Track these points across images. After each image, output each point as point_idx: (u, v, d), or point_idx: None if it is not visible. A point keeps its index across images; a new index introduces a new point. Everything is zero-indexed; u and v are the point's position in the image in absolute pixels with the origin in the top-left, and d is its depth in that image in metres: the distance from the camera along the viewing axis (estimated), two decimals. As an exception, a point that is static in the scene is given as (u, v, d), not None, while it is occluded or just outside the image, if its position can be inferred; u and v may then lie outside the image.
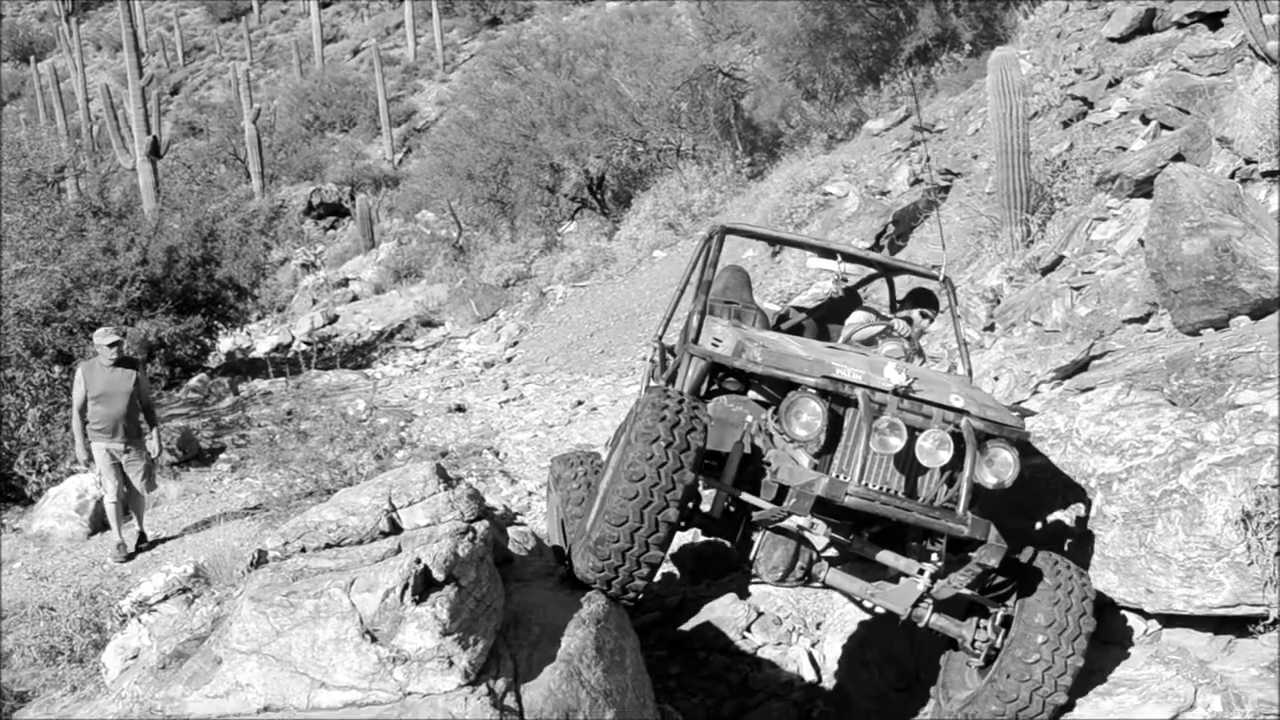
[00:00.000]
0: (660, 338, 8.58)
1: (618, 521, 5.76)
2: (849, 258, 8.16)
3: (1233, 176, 9.95)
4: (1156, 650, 6.60)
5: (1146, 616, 6.67)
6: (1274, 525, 5.95)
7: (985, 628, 6.48)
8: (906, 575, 6.36)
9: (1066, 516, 7.33)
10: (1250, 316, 8.04)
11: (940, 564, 6.26)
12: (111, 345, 11.58)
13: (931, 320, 8.30)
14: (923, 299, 8.38)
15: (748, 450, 6.53)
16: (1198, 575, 6.27)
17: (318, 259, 39.18)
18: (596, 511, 6.25)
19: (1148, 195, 10.55)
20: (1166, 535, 6.45)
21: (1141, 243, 9.59)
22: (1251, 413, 6.48)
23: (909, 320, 8.13)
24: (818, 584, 6.59)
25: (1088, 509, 7.11)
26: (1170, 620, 6.55)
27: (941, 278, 8.10)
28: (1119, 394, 7.58)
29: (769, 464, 6.37)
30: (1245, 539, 6.07)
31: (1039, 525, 7.44)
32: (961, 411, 6.10)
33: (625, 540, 5.80)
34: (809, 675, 8.55)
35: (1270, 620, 6.01)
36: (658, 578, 9.15)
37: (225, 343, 24.59)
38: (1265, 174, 9.96)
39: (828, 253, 8.18)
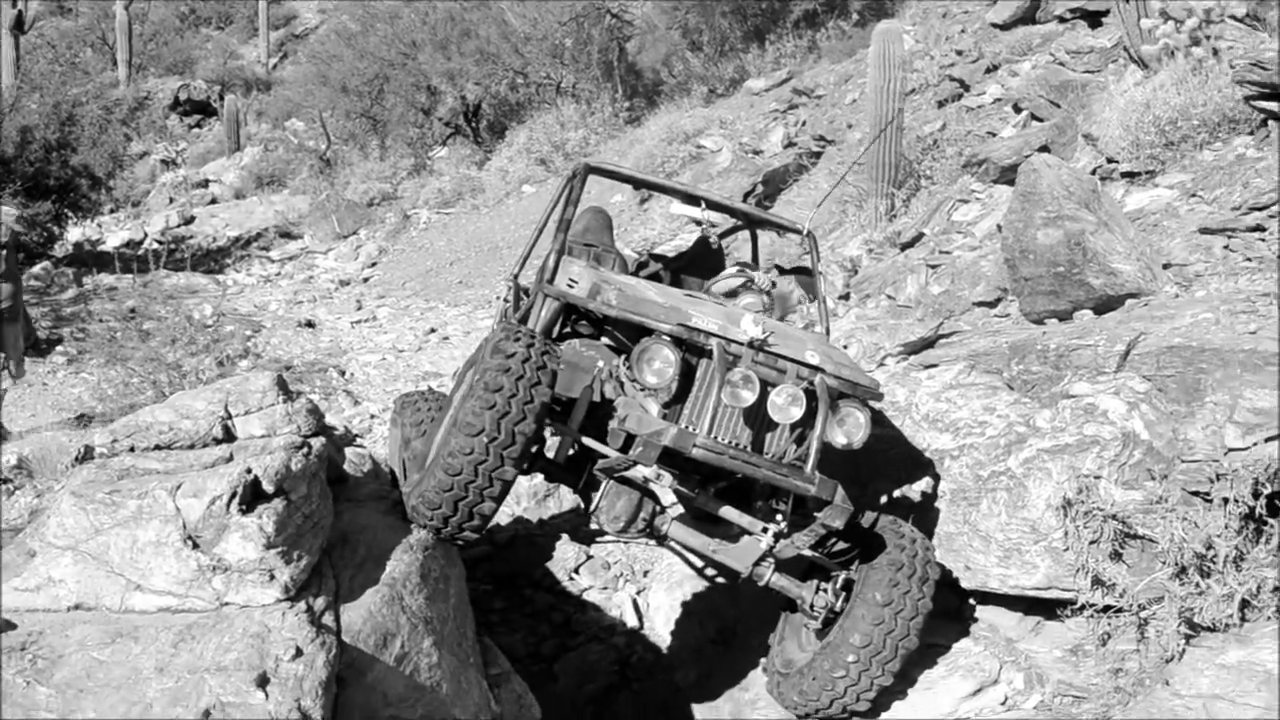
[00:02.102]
0: (516, 276, 8.37)
1: (452, 472, 5.62)
2: (713, 205, 7.99)
3: (1094, 173, 10.18)
4: (967, 626, 6.80)
5: (962, 593, 6.83)
6: (1091, 514, 6.14)
7: (826, 590, 6.42)
8: (749, 533, 6.25)
9: (898, 489, 7.48)
10: (1094, 311, 8.25)
11: (784, 524, 6.17)
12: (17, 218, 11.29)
13: (799, 304, 8.28)
14: (801, 275, 8.38)
15: (597, 398, 6.42)
16: (1015, 556, 6.44)
17: (179, 157, 38.26)
18: (433, 458, 6.10)
19: (1010, 183, 10.74)
20: (990, 515, 6.60)
21: (999, 228, 9.78)
22: (1084, 404, 6.63)
23: (773, 283, 8.08)
24: (660, 537, 6.49)
25: (918, 483, 7.28)
26: (985, 597, 6.71)
27: (805, 231, 8.01)
28: (960, 373, 7.71)
29: (617, 411, 6.26)
30: (1064, 525, 6.23)
31: (870, 495, 7.56)
32: (816, 369, 6.03)
33: (459, 490, 5.67)
34: (631, 621, 8.61)
35: (1078, 605, 6.17)
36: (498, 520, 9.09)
37: (74, 232, 23.90)
38: (1124, 174, 10.21)
39: (692, 199, 8.04)
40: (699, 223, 8.12)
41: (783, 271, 8.49)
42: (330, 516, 6.05)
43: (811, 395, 5.98)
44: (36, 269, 20.11)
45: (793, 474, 5.86)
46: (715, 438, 5.95)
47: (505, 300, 8.28)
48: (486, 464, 5.57)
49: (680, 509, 6.60)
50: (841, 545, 6.39)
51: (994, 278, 9.81)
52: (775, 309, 7.59)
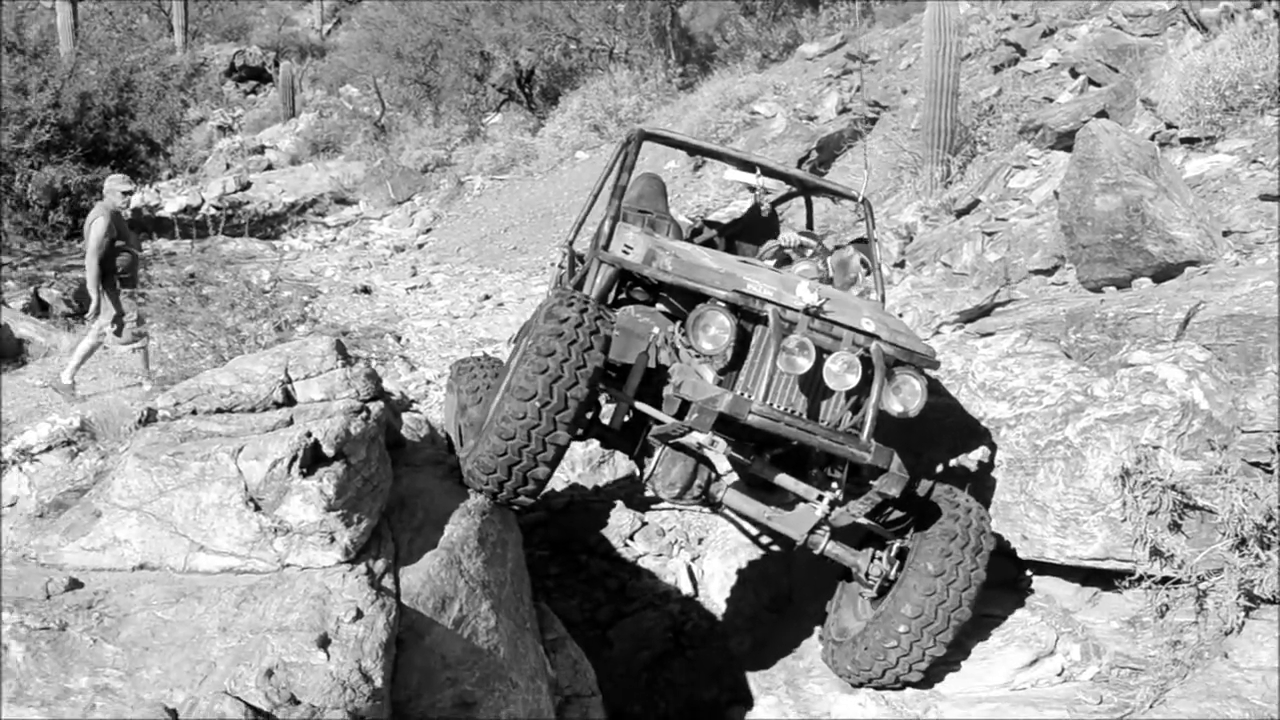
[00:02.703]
0: (571, 243, 8.31)
1: (506, 436, 5.62)
2: (768, 172, 7.89)
3: (1152, 139, 10.09)
4: (1024, 597, 6.78)
5: (1019, 562, 6.81)
6: (1150, 484, 6.10)
7: (881, 559, 6.40)
8: (804, 501, 6.24)
9: (953, 458, 7.45)
10: (1152, 279, 8.20)
11: (840, 492, 6.15)
12: (126, 195, 12.00)
13: (859, 274, 8.19)
14: (860, 245, 8.30)
15: (652, 364, 6.38)
16: (1072, 526, 6.42)
17: (235, 123, 38.42)
18: (487, 423, 6.07)
19: (1068, 149, 10.67)
20: (1047, 485, 6.58)
21: (1056, 195, 9.72)
22: (1142, 373, 6.59)
23: (825, 248, 8.02)
24: (714, 504, 6.47)
25: (975, 452, 7.25)
26: (1041, 568, 6.70)
27: (861, 198, 7.96)
28: (1017, 342, 7.68)
29: (672, 378, 6.21)
30: (1122, 495, 6.21)
31: (925, 464, 7.54)
32: (872, 336, 5.97)
33: (513, 455, 5.66)
34: (686, 588, 8.64)
35: (1135, 576, 6.15)
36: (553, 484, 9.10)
37: (133, 198, 24.06)
38: (1184, 140, 10.11)
39: (746, 165, 7.95)
40: (753, 189, 8.08)
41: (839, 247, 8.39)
42: (389, 480, 6.10)
43: (867, 363, 5.91)
44: (97, 234, 20.30)
45: (849, 441, 5.80)
46: (771, 404, 5.91)
47: (560, 267, 8.26)
48: (539, 428, 5.58)
49: (735, 476, 6.55)
50: (897, 514, 6.36)
51: (1051, 245, 9.75)
52: (836, 277, 7.55)
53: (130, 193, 12.15)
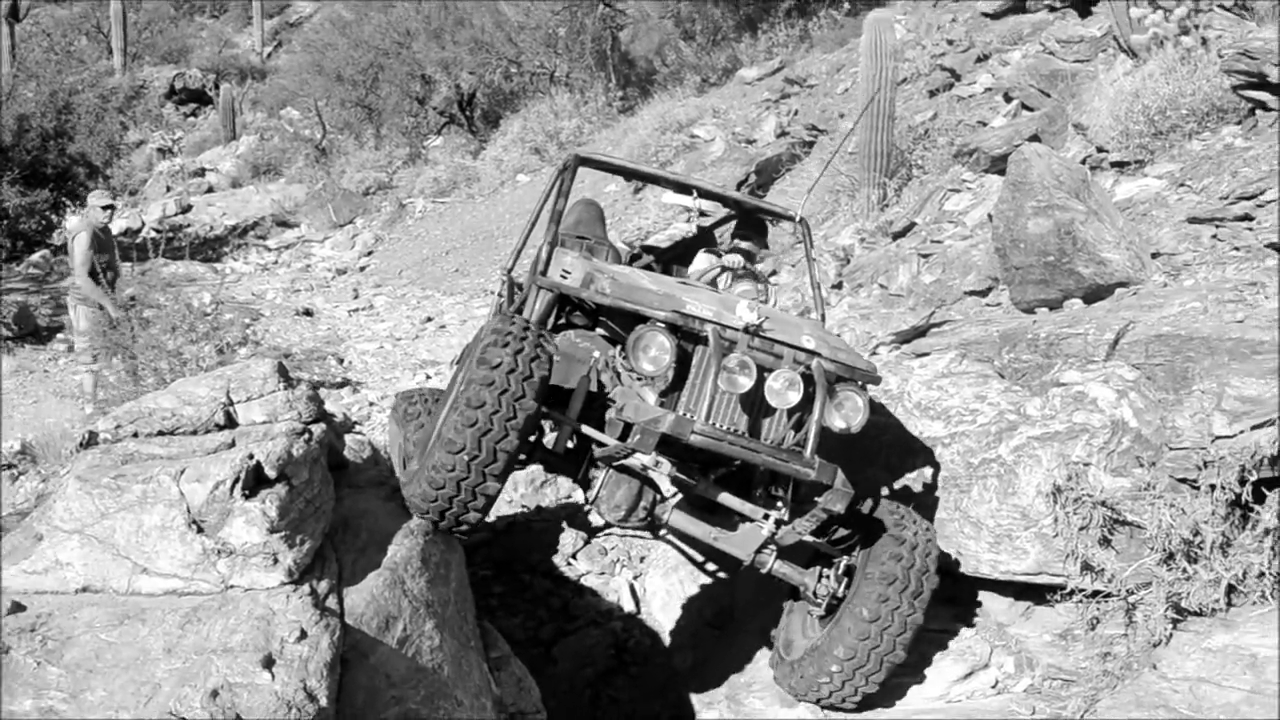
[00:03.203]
0: (510, 270, 8.20)
1: (454, 449, 5.55)
2: (705, 194, 7.92)
3: (1083, 162, 10.23)
4: (959, 611, 6.86)
5: (955, 578, 6.88)
6: (1080, 501, 6.20)
7: (828, 577, 6.34)
8: (750, 520, 6.20)
9: (890, 476, 7.52)
10: (1083, 300, 8.31)
11: (785, 511, 6.14)
12: (106, 209, 12.14)
13: (757, 253, 8.16)
14: (752, 224, 8.28)
15: (594, 388, 6.37)
16: (1005, 542, 6.50)
17: (175, 145, 38.13)
18: (433, 440, 6.02)
19: (1001, 172, 10.78)
20: (981, 501, 6.67)
21: (990, 218, 9.82)
22: (1073, 392, 6.69)
23: (741, 252, 7.98)
24: (659, 528, 6.49)
25: (913, 472, 7.33)
26: (976, 583, 6.76)
27: (798, 218, 7.93)
28: (952, 362, 7.76)
29: (614, 401, 6.21)
30: (1053, 511, 6.30)
31: (865, 482, 7.59)
32: (813, 353, 5.96)
33: (461, 470, 5.58)
34: (629, 606, 8.67)
35: (1067, 590, 6.23)
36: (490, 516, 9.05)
37: (71, 220, 23.84)
38: (1114, 164, 10.27)
39: (684, 188, 7.98)
40: (691, 211, 8.08)
41: (734, 234, 8.36)
42: (332, 501, 6.10)
43: (809, 380, 5.91)
44: (35, 257, 20.14)
45: (792, 459, 5.78)
46: (713, 424, 5.88)
47: (500, 295, 8.19)
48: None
49: (680, 498, 6.46)
50: (843, 531, 6.34)
51: (985, 267, 9.86)
52: (765, 293, 7.56)
53: (111, 208, 12.15)
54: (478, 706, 5.97)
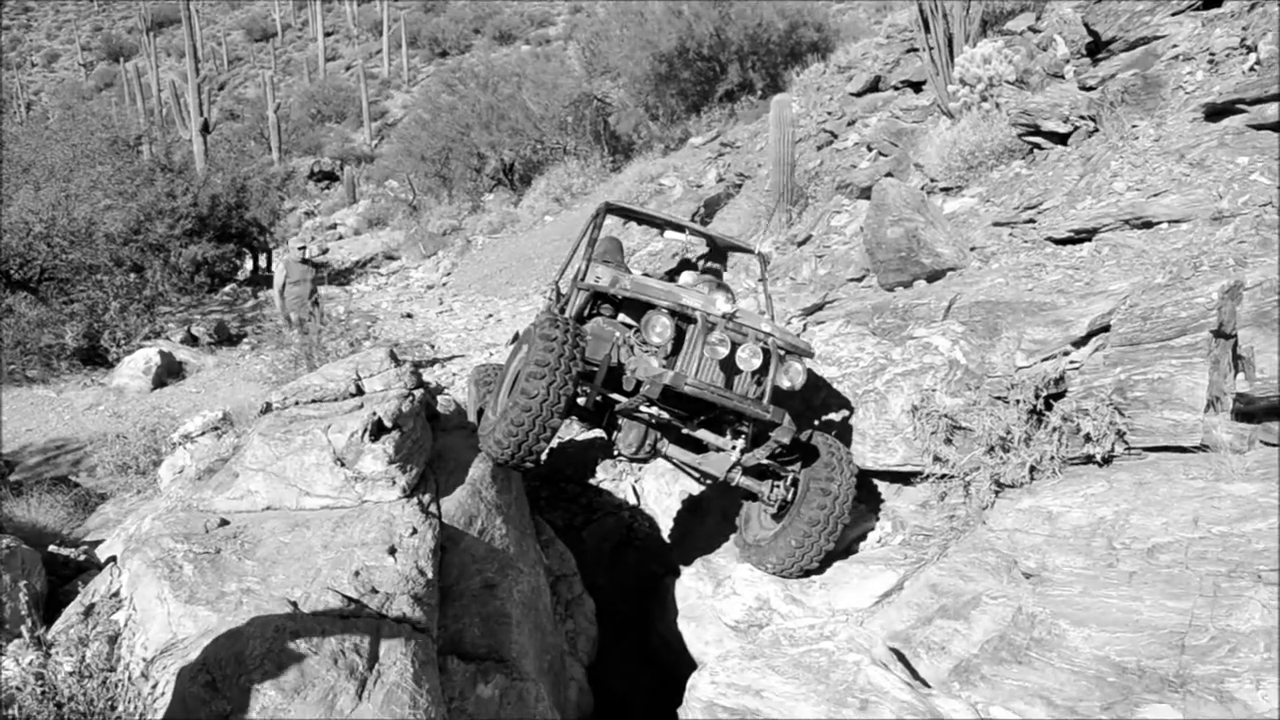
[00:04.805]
0: (556, 282, 7.98)
1: (517, 424, 5.48)
2: (695, 233, 7.78)
3: (922, 189, 10.18)
4: (857, 493, 6.82)
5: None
6: (930, 415, 6.19)
7: (779, 487, 6.25)
8: (722, 450, 6.15)
9: (805, 405, 7.49)
10: (927, 281, 8.29)
11: (747, 443, 6.09)
12: (301, 249, 13.31)
13: (722, 271, 8.11)
14: (719, 253, 8.23)
15: (614, 363, 6.24)
16: (882, 445, 6.50)
17: (316, 209, 37.94)
18: (506, 393, 6.00)
19: (867, 197, 10.75)
20: (864, 419, 6.65)
21: (862, 229, 9.79)
22: (922, 342, 6.68)
23: (712, 270, 7.94)
24: (661, 456, 6.31)
25: (817, 400, 7.30)
26: (865, 473, 6.76)
27: (758, 252, 7.86)
28: (841, 326, 7.74)
29: (629, 367, 6.13)
30: (913, 423, 6.29)
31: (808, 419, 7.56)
32: (769, 334, 5.93)
33: (522, 436, 5.51)
34: (633, 501, 8.65)
35: (924, 475, 6.26)
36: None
37: (249, 263, 23.75)
38: (942, 189, 10.22)
39: (678, 228, 7.91)
40: (684, 242, 8.02)
41: (707, 258, 8.30)
42: (430, 441, 6.09)
43: (767, 352, 5.89)
44: (226, 289, 20.09)
45: (755, 405, 5.74)
46: (700, 379, 5.84)
47: (549, 298, 8.13)
48: (541, 417, 5.49)
49: (673, 436, 6.42)
50: (789, 455, 6.26)
51: (860, 262, 9.83)
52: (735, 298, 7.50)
53: (304, 248, 13.01)
54: (533, 573, 5.97)
